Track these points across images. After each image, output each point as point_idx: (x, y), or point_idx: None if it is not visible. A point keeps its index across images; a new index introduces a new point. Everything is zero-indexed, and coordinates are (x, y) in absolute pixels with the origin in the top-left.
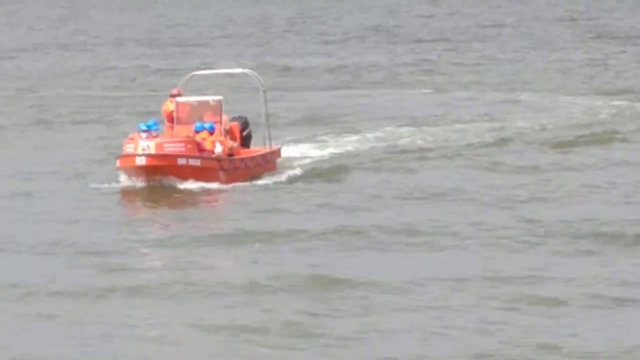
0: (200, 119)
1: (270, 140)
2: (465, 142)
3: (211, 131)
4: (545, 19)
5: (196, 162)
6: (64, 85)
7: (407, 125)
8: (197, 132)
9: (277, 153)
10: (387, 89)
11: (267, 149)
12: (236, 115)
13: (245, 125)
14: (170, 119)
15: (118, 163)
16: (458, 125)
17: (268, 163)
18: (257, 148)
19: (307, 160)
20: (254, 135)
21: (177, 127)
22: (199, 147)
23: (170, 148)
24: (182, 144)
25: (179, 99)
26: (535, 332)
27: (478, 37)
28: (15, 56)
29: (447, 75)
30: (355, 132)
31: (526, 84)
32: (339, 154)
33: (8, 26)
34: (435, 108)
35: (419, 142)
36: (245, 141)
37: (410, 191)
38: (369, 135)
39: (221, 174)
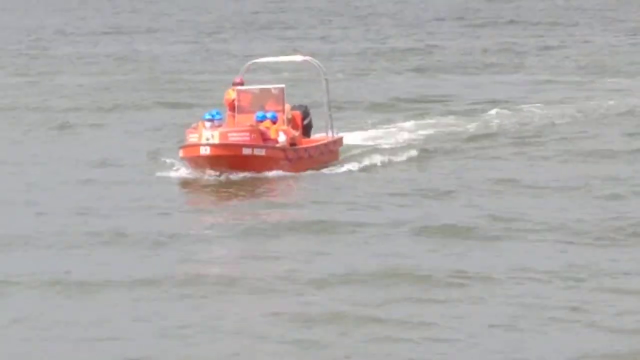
0: (262, 107)
1: (332, 128)
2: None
3: (274, 120)
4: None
5: (261, 152)
6: (151, 69)
7: (494, 108)
8: (259, 121)
9: (339, 142)
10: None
11: (330, 138)
12: (296, 104)
13: (306, 114)
14: (232, 107)
15: (181, 153)
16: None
17: (331, 152)
18: (318, 137)
19: (373, 148)
20: (314, 124)
21: (238, 116)
22: (263, 137)
23: (234, 137)
24: (247, 133)
25: (240, 87)
26: None
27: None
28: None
29: (533, 58)
30: (430, 116)
31: (612, 69)
32: (415, 139)
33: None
34: (521, 91)
35: (507, 126)
36: (306, 130)
37: (496, 181)
38: (444, 121)
39: (285, 163)
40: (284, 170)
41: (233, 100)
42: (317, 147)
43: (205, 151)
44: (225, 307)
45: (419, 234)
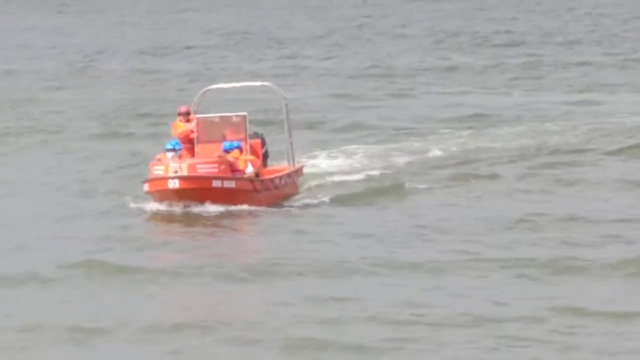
0: (223, 136)
1: (293, 157)
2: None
3: (240, 150)
4: None
5: (231, 184)
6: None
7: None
8: (226, 151)
9: (300, 172)
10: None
11: (291, 168)
12: (250, 131)
13: (263, 142)
14: (187, 139)
15: (146, 187)
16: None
17: (293, 183)
18: (277, 166)
19: (337, 177)
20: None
21: (199, 147)
22: (232, 168)
23: (203, 169)
24: (215, 165)
25: (199, 115)
26: None
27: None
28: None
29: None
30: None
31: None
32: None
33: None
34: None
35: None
36: (264, 160)
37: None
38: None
39: (254, 195)
40: (252, 203)
41: (187, 132)
42: (281, 177)
43: (173, 184)
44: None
45: (398, 273)
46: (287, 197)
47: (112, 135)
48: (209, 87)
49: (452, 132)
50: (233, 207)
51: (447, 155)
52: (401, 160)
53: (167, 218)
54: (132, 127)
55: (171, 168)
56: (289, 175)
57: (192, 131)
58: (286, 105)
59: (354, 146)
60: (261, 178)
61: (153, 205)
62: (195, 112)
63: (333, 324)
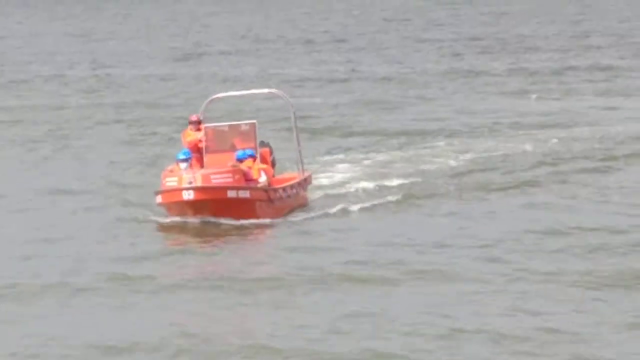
0: (233, 146)
1: (302, 165)
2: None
3: (254, 158)
4: None
5: (246, 194)
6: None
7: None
8: (239, 160)
9: (309, 180)
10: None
11: (301, 176)
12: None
13: (271, 150)
14: (195, 148)
15: (159, 199)
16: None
17: (304, 192)
18: (285, 174)
19: (353, 184)
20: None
21: (208, 156)
22: (245, 177)
23: (217, 179)
24: (230, 175)
25: (208, 124)
26: None
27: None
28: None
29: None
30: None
31: None
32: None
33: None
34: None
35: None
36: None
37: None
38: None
39: (268, 205)
40: (266, 213)
41: (197, 141)
42: (292, 186)
43: (189, 196)
44: None
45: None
46: (298, 206)
47: (134, 142)
48: (215, 96)
49: (475, 138)
50: (247, 219)
51: (470, 161)
52: (424, 167)
53: (180, 229)
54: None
55: (185, 179)
56: (299, 183)
57: (200, 140)
58: (294, 112)
59: (373, 153)
60: (274, 187)
61: (165, 217)
62: (202, 121)
63: (355, 338)
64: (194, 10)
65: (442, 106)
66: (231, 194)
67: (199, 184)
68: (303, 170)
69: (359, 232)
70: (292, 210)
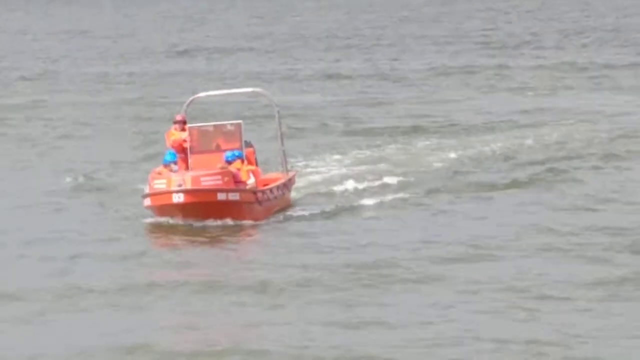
0: (217, 146)
1: (286, 165)
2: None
3: (243, 160)
4: None
5: (235, 196)
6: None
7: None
8: (228, 162)
9: (293, 180)
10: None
11: (286, 176)
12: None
13: (254, 150)
14: (180, 148)
15: (148, 202)
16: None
17: (288, 192)
18: (271, 175)
19: (342, 184)
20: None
21: (193, 157)
22: (235, 179)
23: (207, 182)
24: (219, 177)
25: (192, 125)
26: None
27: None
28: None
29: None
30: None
31: None
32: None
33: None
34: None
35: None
36: None
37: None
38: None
39: (257, 207)
40: (255, 216)
41: (179, 140)
42: (278, 187)
43: (179, 198)
44: None
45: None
46: (284, 207)
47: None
48: (196, 96)
49: (471, 135)
50: (236, 221)
51: (466, 159)
52: (419, 165)
53: (169, 229)
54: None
55: (174, 181)
56: (284, 184)
57: (185, 140)
58: (278, 111)
59: (365, 150)
60: (262, 189)
61: (153, 219)
62: (185, 122)
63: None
64: (189, 7)
65: (434, 103)
66: (221, 196)
67: (188, 186)
68: (287, 171)
69: (351, 233)
70: (278, 211)
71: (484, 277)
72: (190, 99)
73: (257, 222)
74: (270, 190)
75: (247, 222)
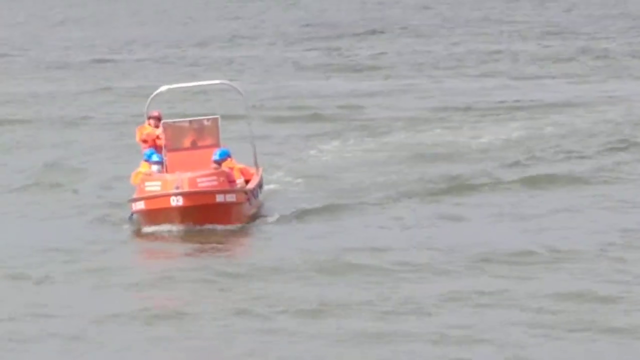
0: (193, 143)
1: (256, 160)
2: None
3: (230, 158)
4: None
5: (232, 198)
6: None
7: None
8: (218, 161)
9: (262, 177)
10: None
11: (257, 174)
12: None
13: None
14: (153, 144)
15: (142, 205)
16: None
17: (261, 188)
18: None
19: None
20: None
21: (169, 155)
22: (228, 179)
23: (204, 183)
24: (215, 177)
25: (167, 120)
26: None
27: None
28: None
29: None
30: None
31: None
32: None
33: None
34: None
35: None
36: None
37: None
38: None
39: (248, 207)
40: (246, 216)
41: (152, 135)
42: (260, 185)
43: (177, 202)
44: None
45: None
46: (261, 205)
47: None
48: (160, 89)
49: (491, 123)
50: (231, 224)
51: (463, 154)
52: (414, 160)
53: (157, 237)
54: None
55: (171, 183)
56: (259, 184)
57: (158, 137)
58: (247, 103)
59: (369, 139)
60: (251, 188)
61: (142, 226)
62: (161, 117)
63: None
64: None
65: (433, 92)
66: (219, 198)
67: (186, 188)
68: (257, 167)
69: (342, 230)
70: (258, 210)
71: (484, 275)
72: (155, 92)
73: (246, 224)
74: (253, 189)
75: (239, 224)
